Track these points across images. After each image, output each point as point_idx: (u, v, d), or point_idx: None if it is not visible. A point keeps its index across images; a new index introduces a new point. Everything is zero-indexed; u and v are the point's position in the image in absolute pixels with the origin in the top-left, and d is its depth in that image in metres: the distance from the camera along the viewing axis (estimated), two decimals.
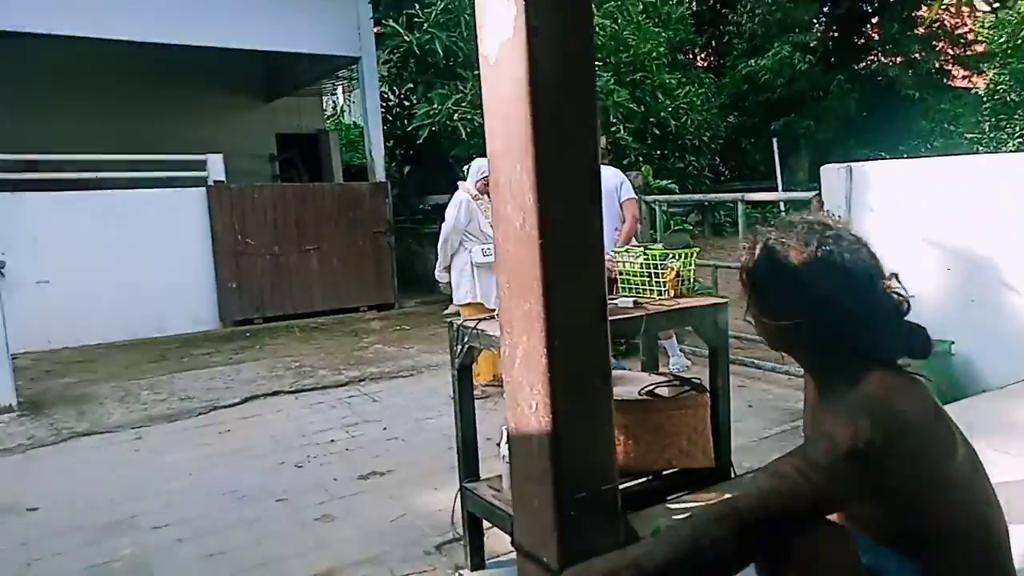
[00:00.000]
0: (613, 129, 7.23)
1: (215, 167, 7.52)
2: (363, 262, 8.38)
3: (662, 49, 8.19)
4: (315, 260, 8.04)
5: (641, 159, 7.74)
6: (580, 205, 1.60)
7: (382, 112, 8.82)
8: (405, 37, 7.24)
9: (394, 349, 6.72)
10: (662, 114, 8.24)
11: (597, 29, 7.51)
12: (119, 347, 6.80)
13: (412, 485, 3.67)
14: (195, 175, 7.54)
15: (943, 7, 18.56)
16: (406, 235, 9.22)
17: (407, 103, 9.39)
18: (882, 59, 18.28)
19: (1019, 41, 24.33)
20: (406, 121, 9.69)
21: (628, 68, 7.41)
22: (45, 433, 4.68)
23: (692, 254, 2.80)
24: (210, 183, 7.48)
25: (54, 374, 5.97)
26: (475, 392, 2.86)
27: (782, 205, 7.07)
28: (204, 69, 10.74)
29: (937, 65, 18.12)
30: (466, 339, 2.55)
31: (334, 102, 16.13)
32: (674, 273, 2.67)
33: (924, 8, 18.90)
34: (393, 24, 7.40)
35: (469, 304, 5.32)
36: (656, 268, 2.72)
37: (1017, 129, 26.97)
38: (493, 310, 5.21)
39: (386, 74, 8.81)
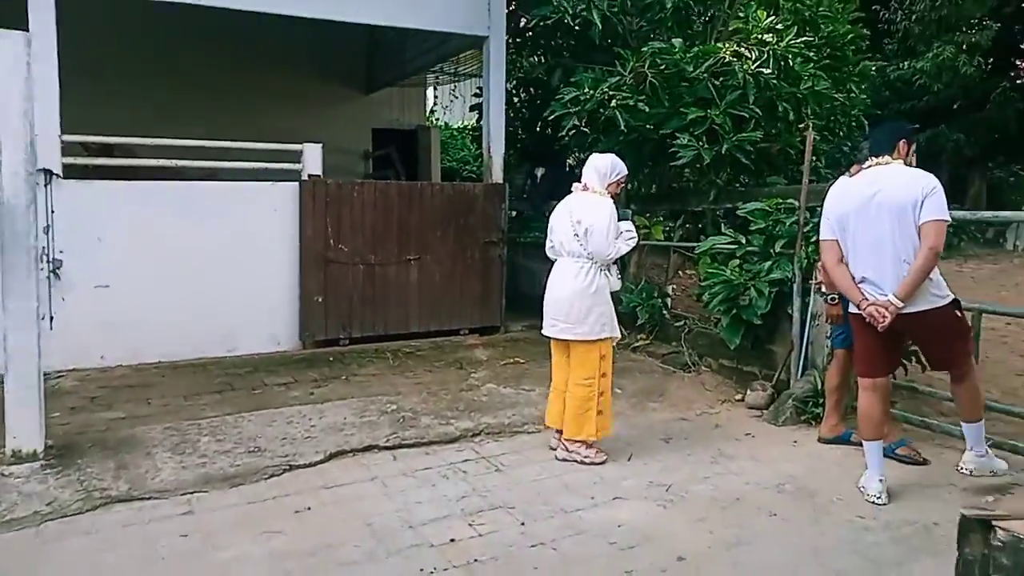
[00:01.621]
0: (803, 126, 5.72)
1: (312, 159, 6.36)
2: (469, 277, 7.09)
3: (861, 28, 6.57)
4: (415, 272, 6.78)
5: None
6: None
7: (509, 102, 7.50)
8: (559, 3, 5.90)
9: (511, 391, 5.36)
10: (858, 110, 6.61)
11: None
12: (181, 369, 5.68)
13: None
14: (288, 167, 6.40)
15: None
16: (514, 247, 7.88)
17: (534, 89, 8.03)
18: None
19: None
20: (525, 111, 8.37)
21: (821, 51, 5.85)
22: (71, 496, 3.51)
23: None
24: (304, 177, 6.32)
25: (99, 403, 4.87)
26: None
27: None
28: (299, 52, 9.76)
29: None
30: None
31: (435, 96, 15.01)
32: None
33: None
34: None
35: (605, 339, 4.12)
36: None
37: None
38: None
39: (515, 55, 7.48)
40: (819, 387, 4.79)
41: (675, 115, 5.74)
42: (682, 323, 6.34)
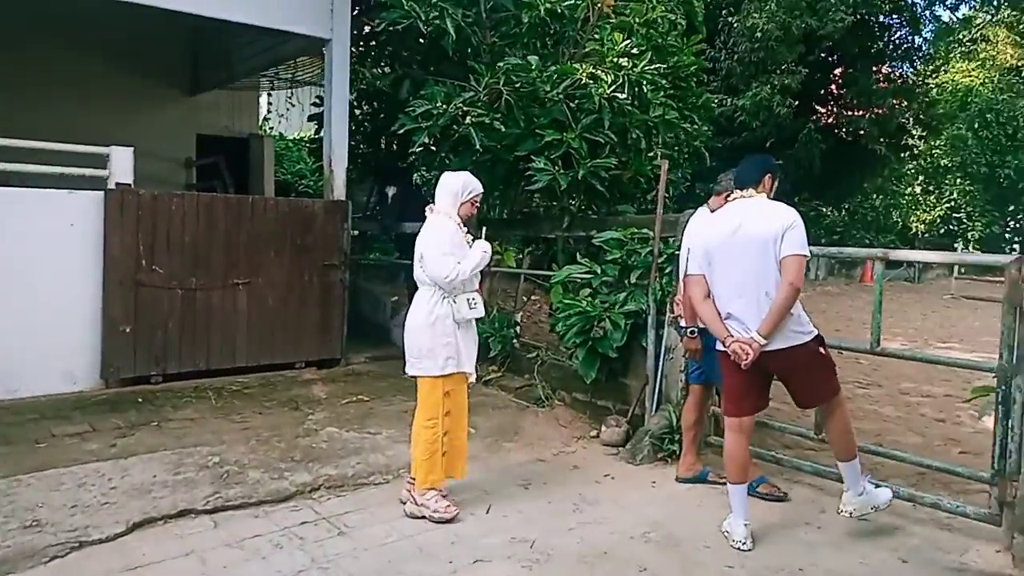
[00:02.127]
0: (651, 155, 5.71)
1: (121, 165, 5.47)
2: (307, 303, 6.45)
3: (704, 61, 6.72)
4: (244, 298, 6.05)
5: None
6: None
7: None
8: (410, 9, 5.46)
9: (354, 435, 4.84)
10: (699, 141, 6.76)
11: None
12: None
13: None
14: (92, 173, 5.47)
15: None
16: (356, 270, 7.35)
17: (378, 101, 7.52)
18: (846, 112, 17.78)
19: (960, 107, 24.75)
20: (368, 124, 7.85)
21: (668, 80, 5.89)
22: None
23: None
24: (111, 186, 5.43)
25: None
26: None
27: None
28: (115, 42, 8.61)
29: (901, 122, 17.74)
30: None
31: (270, 103, 13.97)
32: None
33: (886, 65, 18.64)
34: None
35: (450, 375, 3.75)
36: None
37: (946, 194, 27.49)
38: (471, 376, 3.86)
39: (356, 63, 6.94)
40: (675, 423, 4.72)
41: (530, 136, 5.53)
42: (534, 354, 6.12)
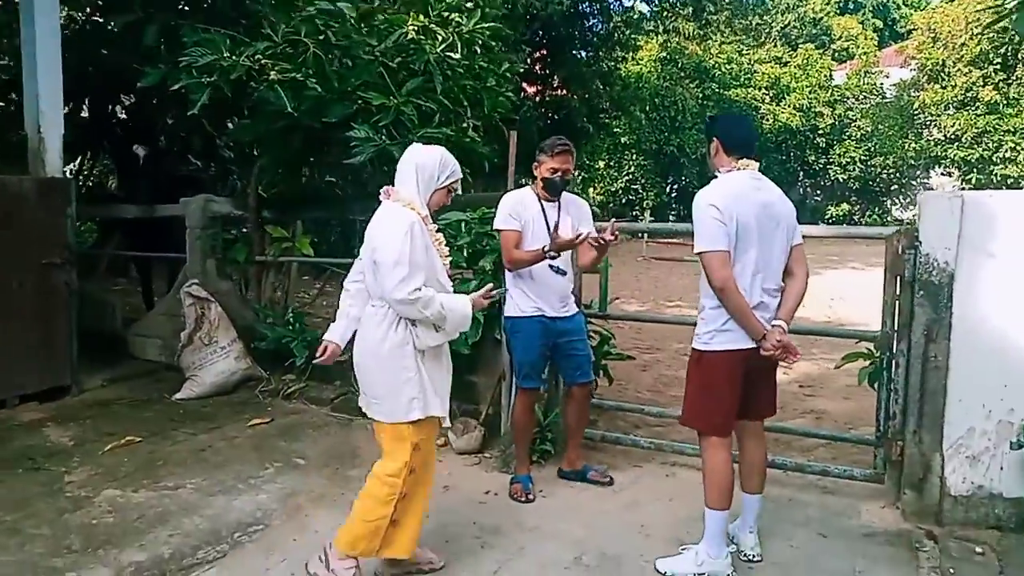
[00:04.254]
0: (475, 124, 5.05)
1: None
2: (19, 316, 4.71)
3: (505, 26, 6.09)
4: None
5: None
6: None
7: None
8: None
9: (148, 494, 3.58)
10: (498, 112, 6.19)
11: None
12: None
13: None
14: None
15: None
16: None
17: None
18: (558, 92, 18.80)
19: (635, 91, 27.75)
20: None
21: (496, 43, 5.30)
22: None
23: None
24: None
25: None
26: None
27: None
28: None
29: (603, 104, 19.25)
30: None
31: None
32: None
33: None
34: None
35: (417, 422, 2.76)
36: None
37: (625, 168, 30.79)
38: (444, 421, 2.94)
39: None
40: (541, 420, 4.28)
41: (340, 100, 4.56)
42: (347, 356, 5.19)
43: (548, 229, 3.62)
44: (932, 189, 27.31)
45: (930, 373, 3.44)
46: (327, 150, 4.91)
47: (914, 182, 27.57)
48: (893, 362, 3.61)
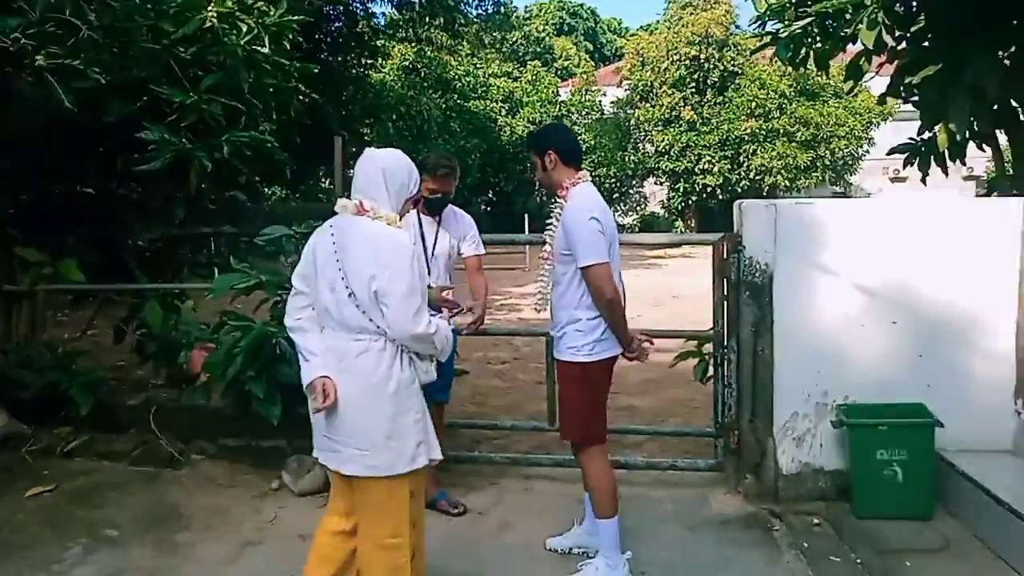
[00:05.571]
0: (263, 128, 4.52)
1: None
2: None
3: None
4: None
5: None
6: None
7: None
8: None
9: None
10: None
11: None
12: None
13: None
14: None
15: None
16: None
17: None
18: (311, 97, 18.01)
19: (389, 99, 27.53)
20: None
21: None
22: None
23: None
24: None
25: None
26: None
27: None
28: None
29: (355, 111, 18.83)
30: None
31: None
32: None
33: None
34: None
35: (413, 472, 2.41)
36: None
37: None
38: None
39: None
40: None
41: (118, 93, 3.84)
42: (142, 398, 4.42)
43: (424, 247, 3.43)
44: (646, 198, 31.03)
45: (759, 366, 3.83)
46: (104, 153, 4.12)
47: (631, 191, 30.85)
48: (726, 358, 3.95)
